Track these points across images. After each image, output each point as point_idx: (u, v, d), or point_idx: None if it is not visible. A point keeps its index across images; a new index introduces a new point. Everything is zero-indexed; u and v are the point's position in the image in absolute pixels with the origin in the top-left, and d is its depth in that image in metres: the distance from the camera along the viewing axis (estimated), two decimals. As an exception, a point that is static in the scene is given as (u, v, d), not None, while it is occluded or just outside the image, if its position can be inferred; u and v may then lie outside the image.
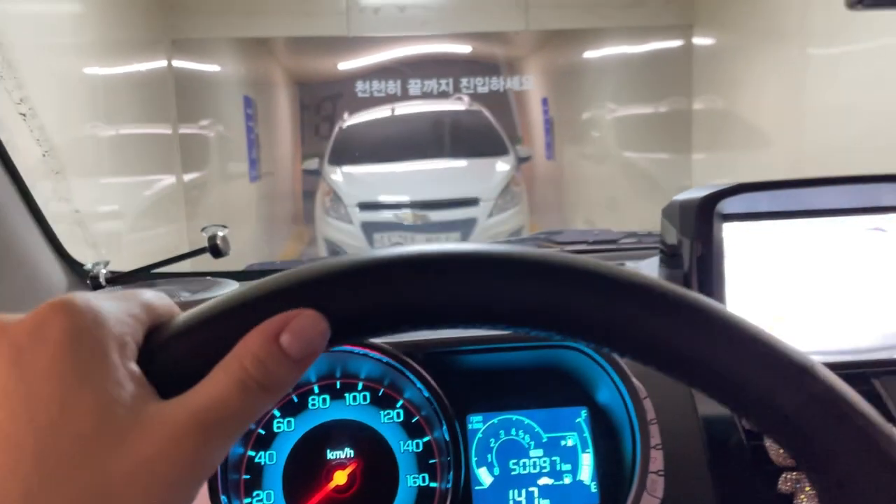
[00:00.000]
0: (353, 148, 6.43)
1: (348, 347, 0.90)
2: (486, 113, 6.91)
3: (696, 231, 0.94)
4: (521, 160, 6.59)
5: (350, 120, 6.94)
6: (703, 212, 0.94)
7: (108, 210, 4.44)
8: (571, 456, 0.92)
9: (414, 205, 5.91)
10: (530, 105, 7.88)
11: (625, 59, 7.24)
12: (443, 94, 7.26)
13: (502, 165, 6.36)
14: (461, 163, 6.51)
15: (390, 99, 7.17)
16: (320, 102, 7.65)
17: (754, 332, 0.39)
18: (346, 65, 7.31)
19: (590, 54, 7.56)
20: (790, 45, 5.05)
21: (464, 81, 7.23)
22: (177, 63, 6.13)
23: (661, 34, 6.80)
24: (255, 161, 7.15)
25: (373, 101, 7.14)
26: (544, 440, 0.93)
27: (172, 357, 0.38)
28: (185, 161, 6.02)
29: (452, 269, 0.39)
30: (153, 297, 0.40)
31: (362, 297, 0.38)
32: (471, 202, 5.88)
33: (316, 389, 0.93)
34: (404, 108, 7.03)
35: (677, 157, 6.68)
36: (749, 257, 0.96)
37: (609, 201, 7.13)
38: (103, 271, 1.21)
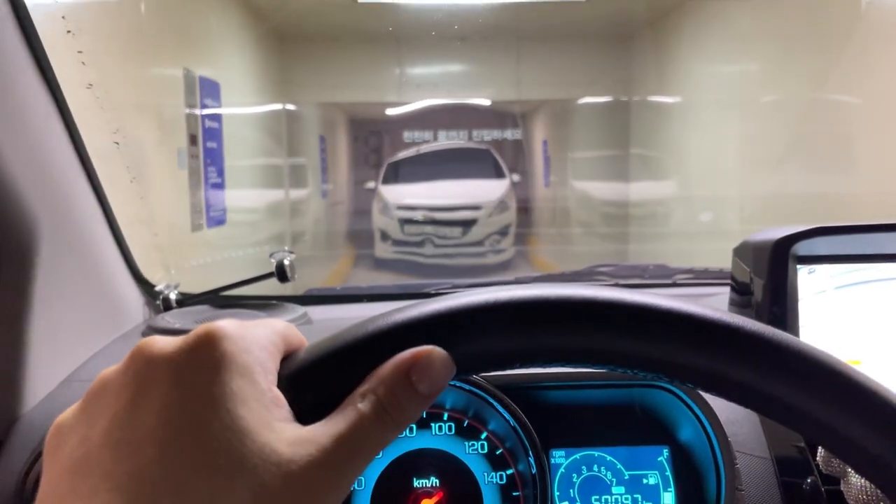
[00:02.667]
0: (397, 173, 9.63)
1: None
2: (492, 150, 10.17)
3: (770, 273, 0.96)
4: (514, 183, 9.56)
5: (395, 157, 10.19)
6: (777, 254, 0.96)
7: (253, 207, 6.62)
8: (653, 495, 0.94)
9: (435, 209, 8.70)
10: (535, 145, 11.47)
11: (588, 117, 10.06)
12: (464, 137, 10.85)
13: (499, 185, 9.31)
14: (471, 182, 9.25)
15: (424, 140, 10.59)
16: (368, 137, 11.93)
17: (848, 374, 0.41)
18: (392, 111, 10.53)
19: (567, 114, 10.50)
20: (682, 113, 7.49)
21: (475, 132, 10.88)
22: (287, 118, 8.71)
23: (610, 105, 9.45)
24: (325, 182, 10.12)
25: (412, 143, 10.59)
26: (626, 477, 0.95)
27: (310, 384, 0.40)
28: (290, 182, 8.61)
29: (565, 315, 0.41)
30: (285, 327, 0.42)
31: (486, 337, 0.41)
32: (476, 207, 8.74)
33: (404, 418, 0.96)
34: (432, 147, 10.35)
35: (621, 184, 9.18)
36: (823, 300, 0.98)
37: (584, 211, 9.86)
38: (173, 294, 1.25)
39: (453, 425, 0.96)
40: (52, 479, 0.37)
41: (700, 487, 0.93)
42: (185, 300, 1.26)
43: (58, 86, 0.96)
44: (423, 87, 9.28)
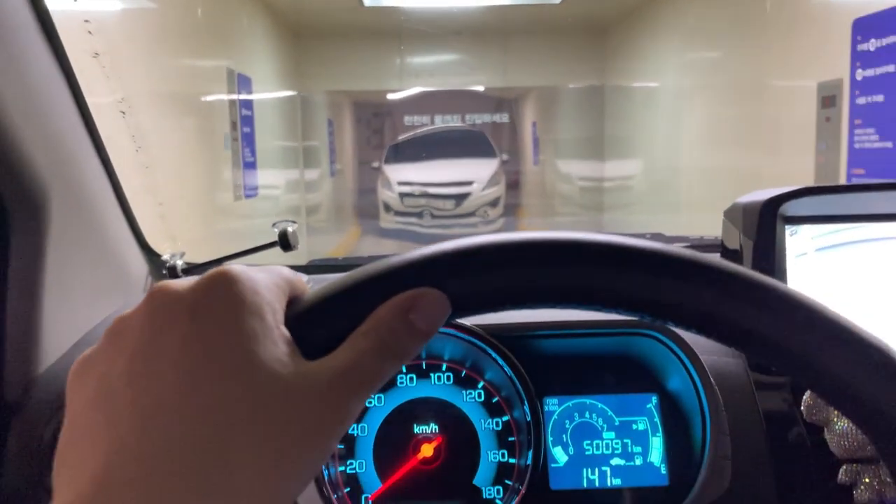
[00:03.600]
0: (399, 154, 9.62)
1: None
2: (484, 132, 10.12)
3: (759, 233, 0.87)
4: (504, 161, 9.64)
5: (396, 140, 10.14)
6: (766, 214, 0.87)
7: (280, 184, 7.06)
8: (642, 439, 0.86)
9: (432, 184, 8.78)
10: (526, 126, 11.25)
11: (570, 102, 10.05)
12: (458, 121, 10.68)
13: (490, 163, 9.29)
14: (465, 161, 9.24)
15: (423, 123, 10.49)
16: (371, 121, 11.65)
17: (827, 314, 0.38)
18: (393, 97, 10.60)
19: (552, 99, 10.50)
20: (652, 95, 7.39)
21: (468, 116, 10.64)
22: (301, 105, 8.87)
23: (588, 89, 9.39)
24: (334, 162, 10.06)
25: (411, 126, 10.51)
26: (616, 423, 0.86)
27: (315, 323, 0.38)
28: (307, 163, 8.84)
29: (556, 255, 0.39)
30: (291, 272, 0.40)
31: (478, 278, 0.39)
32: (469, 183, 8.86)
33: (404, 369, 0.87)
34: (430, 130, 10.26)
35: (597, 162, 9.25)
36: (811, 260, 0.90)
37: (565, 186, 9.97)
38: (180, 262, 1.15)
39: (452, 375, 0.87)
40: (74, 413, 0.35)
41: (687, 433, 0.85)
42: (191, 269, 1.16)
43: (65, 55, 0.87)
44: (421, 76, 9.28)
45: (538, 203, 10.38)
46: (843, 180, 3.68)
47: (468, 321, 0.85)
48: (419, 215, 8.71)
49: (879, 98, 3.34)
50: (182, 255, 1.14)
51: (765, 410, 0.85)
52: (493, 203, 8.97)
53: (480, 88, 10.31)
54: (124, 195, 1.06)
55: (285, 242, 1.09)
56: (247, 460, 0.32)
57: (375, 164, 9.72)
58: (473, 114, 10.84)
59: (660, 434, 0.86)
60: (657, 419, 0.86)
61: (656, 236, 1.46)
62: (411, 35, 8.44)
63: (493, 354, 0.84)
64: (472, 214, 8.82)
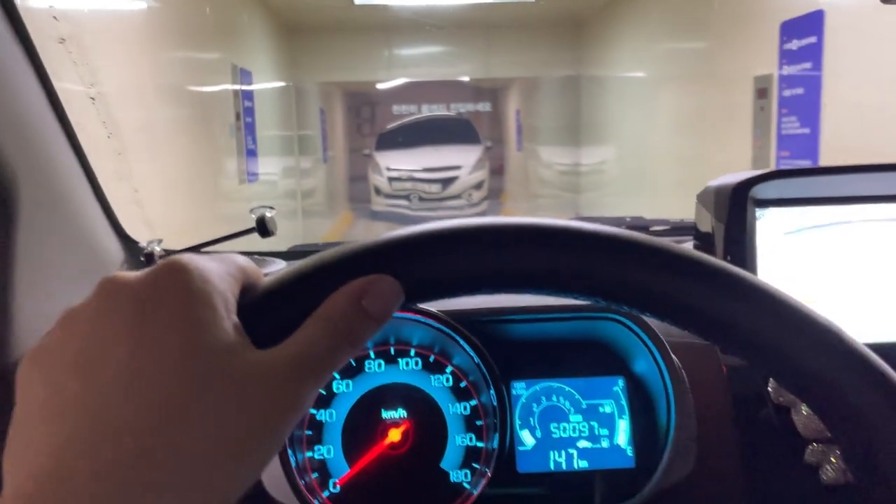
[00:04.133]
0: (388, 141, 9.46)
1: (402, 314, 0.79)
2: (470, 120, 10.15)
3: (730, 215, 0.81)
4: (488, 148, 9.60)
5: (386, 128, 10.02)
6: (736, 197, 0.81)
7: (277, 171, 6.95)
8: (609, 422, 0.80)
9: (419, 169, 8.75)
10: (510, 115, 11.18)
11: (549, 92, 9.79)
12: (444, 110, 10.68)
13: (475, 149, 9.29)
14: (452, 147, 9.19)
15: (410, 112, 10.48)
16: (360, 110, 11.51)
17: (792, 304, 0.35)
18: (382, 86, 10.52)
19: (533, 89, 10.29)
20: (621, 85, 7.36)
21: (454, 105, 10.65)
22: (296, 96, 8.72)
23: (566, 79, 9.16)
24: (326, 149, 9.69)
25: (399, 115, 10.55)
26: (583, 406, 0.81)
27: (267, 312, 0.35)
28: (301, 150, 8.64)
29: (506, 241, 0.36)
30: (244, 261, 0.37)
31: (432, 264, 0.36)
32: (456, 168, 8.83)
33: (372, 354, 0.81)
34: (418, 118, 10.19)
35: (574, 148, 9.09)
36: (782, 242, 0.84)
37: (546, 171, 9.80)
38: (157, 249, 1.08)
39: (420, 361, 0.81)
40: (24, 405, 0.33)
41: (654, 415, 0.79)
42: (169, 254, 1.08)
43: (30, 41, 0.79)
44: (408, 68, 9.15)
45: (521, 187, 10.31)
46: (773, 163, 3.86)
47: (435, 307, 0.79)
48: (407, 198, 8.69)
49: (800, 91, 3.57)
50: (160, 241, 1.06)
51: (733, 393, 0.80)
52: (478, 186, 8.99)
53: (466, 79, 10.21)
54: (98, 182, 0.99)
55: (263, 228, 1.02)
56: (197, 449, 0.30)
57: (367, 152, 9.75)
58: (459, 103, 10.78)
59: (626, 416, 0.80)
60: (624, 402, 0.81)
61: (636, 219, 1.40)
62: (399, 29, 8.37)
63: (460, 340, 0.78)
64: (457, 197, 8.77)
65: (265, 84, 6.66)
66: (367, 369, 0.81)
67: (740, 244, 0.80)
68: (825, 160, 3.42)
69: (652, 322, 0.78)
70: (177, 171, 4.16)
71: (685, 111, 5.49)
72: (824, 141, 3.38)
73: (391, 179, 8.90)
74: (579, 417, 0.80)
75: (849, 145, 3.19)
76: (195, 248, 1.06)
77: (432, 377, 0.81)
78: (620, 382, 0.81)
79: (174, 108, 4.22)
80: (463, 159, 9.02)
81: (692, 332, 0.37)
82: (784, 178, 0.80)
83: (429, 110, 10.52)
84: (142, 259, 1.03)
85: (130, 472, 0.29)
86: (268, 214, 1.02)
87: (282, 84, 7.73)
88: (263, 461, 0.33)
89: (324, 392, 0.79)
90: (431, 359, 0.81)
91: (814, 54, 3.40)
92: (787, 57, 3.64)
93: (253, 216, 1.02)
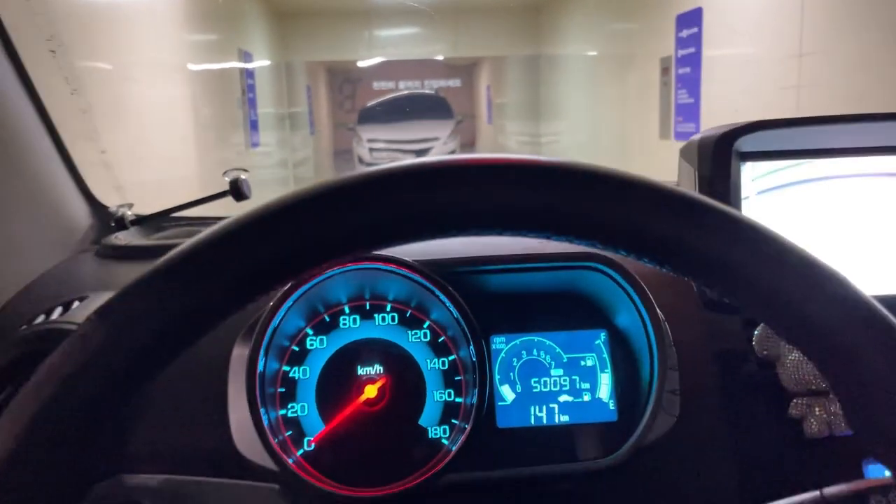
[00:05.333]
0: (369, 115, 9.16)
1: (378, 265, 0.65)
2: (443, 95, 9.70)
3: (714, 168, 0.68)
4: (459, 121, 9.32)
5: (368, 104, 9.62)
6: (720, 149, 0.68)
7: (272, 142, 6.86)
8: (590, 375, 0.68)
9: (399, 140, 8.49)
10: (481, 91, 10.76)
11: (514, 70, 9.48)
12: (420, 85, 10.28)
13: (449, 123, 9.04)
14: (427, 121, 8.94)
15: (389, 88, 10.15)
16: (343, 86, 10.93)
17: (784, 242, 0.28)
18: (363, 63, 10.02)
19: (500, 67, 9.91)
20: (567, 64, 7.41)
21: (427, 82, 10.23)
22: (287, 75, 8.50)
23: (528, 58, 8.78)
24: (312, 123, 9.34)
25: (379, 91, 10.10)
26: (565, 360, 0.68)
27: None
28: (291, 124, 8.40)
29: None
30: None
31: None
32: (431, 139, 8.75)
33: (347, 310, 0.68)
34: (396, 95, 9.77)
35: (534, 121, 8.92)
36: (765, 195, 0.71)
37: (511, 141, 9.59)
38: (128, 213, 0.92)
39: (396, 315, 0.68)
40: None
41: (636, 369, 0.67)
42: (140, 220, 0.92)
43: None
44: (387, 48, 8.82)
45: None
46: (672, 127, 4.19)
47: (411, 257, 0.65)
48: None
49: (688, 70, 3.98)
50: (130, 206, 0.90)
51: (716, 346, 0.67)
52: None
53: (440, 58, 9.91)
54: (64, 146, 0.82)
55: (237, 191, 0.86)
56: None
57: (350, 126, 9.51)
58: (433, 80, 10.48)
59: (608, 370, 0.68)
60: (606, 355, 0.68)
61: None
62: (378, 13, 8.14)
63: (439, 293, 0.65)
64: None
65: (262, 62, 6.72)
66: (341, 325, 0.67)
67: (724, 197, 0.67)
68: (704, 123, 3.81)
69: (636, 271, 0.65)
70: (197, 136, 4.28)
71: (615, 86, 5.62)
72: (703, 108, 3.80)
73: (372, 150, 8.69)
74: (560, 371, 0.68)
75: (716, 109, 3.62)
76: (168, 212, 0.90)
77: (409, 332, 0.67)
78: (603, 336, 0.68)
79: (195, 84, 4.41)
80: (437, 132, 8.88)
81: (681, 272, 0.29)
82: (768, 130, 0.66)
83: (406, 87, 10.20)
84: (112, 224, 0.87)
85: None
86: (242, 177, 0.86)
87: (274, 63, 7.60)
88: None
89: (297, 349, 0.66)
90: (408, 313, 0.68)
91: (696, 41, 3.86)
92: (680, 42, 4.07)
93: (227, 179, 0.86)
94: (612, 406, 0.67)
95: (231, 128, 5.32)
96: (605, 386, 0.67)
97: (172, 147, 3.84)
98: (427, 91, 10.19)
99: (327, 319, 0.67)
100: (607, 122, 5.80)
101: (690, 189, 0.72)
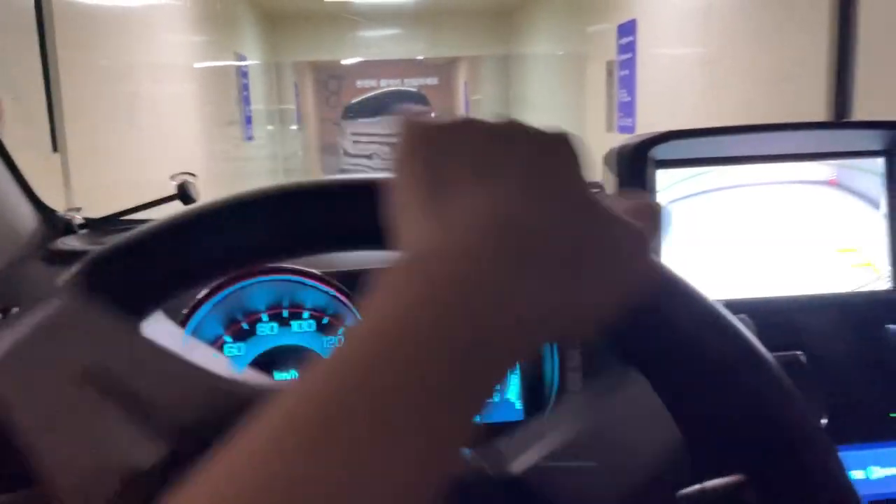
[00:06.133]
0: (353, 111, 9.00)
1: (295, 278, 0.62)
2: (422, 93, 9.62)
3: (630, 176, 0.65)
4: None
5: (351, 102, 9.45)
6: (636, 157, 0.65)
7: (264, 136, 7.02)
8: (498, 376, 0.65)
9: (380, 134, 8.29)
10: (459, 88, 10.58)
11: (489, 69, 9.35)
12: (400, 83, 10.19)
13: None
14: None
15: (371, 86, 9.99)
16: (328, 84, 10.70)
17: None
18: (346, 62, 9.87)
19: (476, 66, 9.77)
20: (532, 64, 7.49)
21: (407, 80, 10.17)
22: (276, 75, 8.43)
23: (496, 58, 8.77)
24: (300, 119, 9.38)
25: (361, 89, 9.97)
26: (474, 362, 0.65)
27: None
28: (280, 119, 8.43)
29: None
30: None
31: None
32: None
33: (265, 318, 0.64)
34: (376, 92, 9.58)
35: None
36: (681, 202, 0.68)
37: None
38: (77, 217, 0.86)
39: (314, 323, 0.64)
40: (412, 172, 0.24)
41: (541, 369, 0.64)
42: (88, 224, 0.87)
43: None
44: (370, 48, 8.76)
45: None
46: (616, 122, 4.37)
47: (322, 268, 0.62)
48: (369, 157, 8.61)
49: (626, 72, 4.20)
50: (78, 209, 0.85)
51: None
52: None
53: (420, 57, 9.82)
54: (6, 150, 0.77)
55: (185, 195, 0.82)
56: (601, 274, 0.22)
57: (336, 121, 9.57)
58: (413, 78, 10.37)
59: (516, 371, 0.65)
60: (513, 357, 0.65)
61: None
62: (362, 17, 8.06)
63: (350, 304, 0.61)
64: None
65: (254, 62, 6.77)
66: (259, 332, 0.63)
67: None
68: (639, 118, 4.01)
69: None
70: (203, 129, 4.54)
71: (573, 84, 5.76)
72: (639, 105, 4.04)
73: (355, 143, 8.72)
74: (470, 373, 0.64)
75: (647, 104, 3.93)
76: (117, 216, 0.85)
77: (325, 339, 0.64)
78: None
79: (201, 82, 4.69)
80: None
81: None
82: (680, 139, 0.63)
83: (387, 84, 10.14)
84: (59, 227, 0.82)
85: (556, 263, 0.21)
86: (189, 180, 0.82)
87: (264, 63, 7.57)
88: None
89: (216, 356, 0.62)
90: (325, 321, 0.64)
91: (632, 48, 4.11)
92: (621, 48, 4.30)
93: (173, 183, 0.81)
94: (518, 405, 0.64)
95: (229, 123, 5.47)
96: (513, 387, 0.64)
97: (184, 140, 4.09)
98: (407, 88, 10.14)
99: (245, 327, 0.63)
100: (566, 116, 5.94)
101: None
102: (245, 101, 5.92)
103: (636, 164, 0.65)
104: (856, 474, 0.60)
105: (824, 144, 0.68)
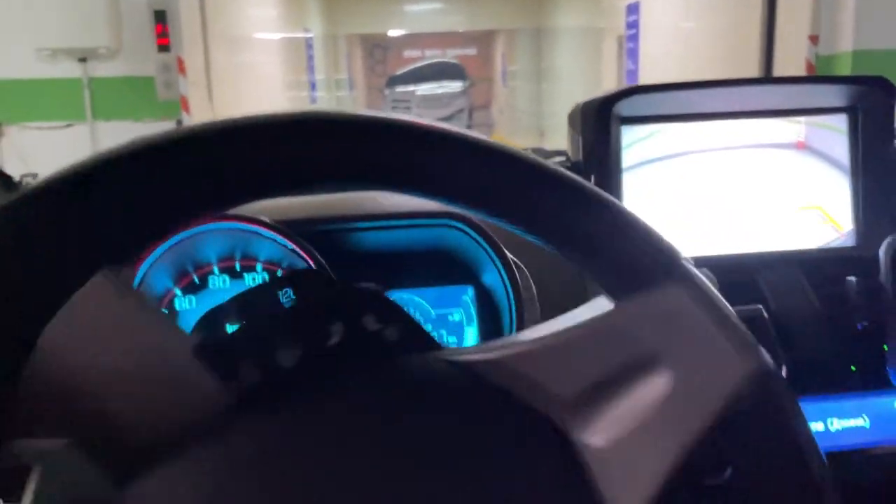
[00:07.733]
0: (396, 80, 9.43)
1: (245, 226, 0.59)
2: (459, 63, 9.63)
3: (594, 132, 0.60)
4: (469, 85, 9.33)
5: (395, 72, 9.80)
6: (600, 113, 0.58)
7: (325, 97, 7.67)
8: (457, 329, 0.59)
9: (419, 96, 8.86)
10: (497, 58, 10.71)
11: (522, 41, 9.76)
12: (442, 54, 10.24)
13: (461, 84, 9.24)
14: (443, 82, 9.22)
15: (414, 56, 10.19)
16: (375, 53, 10.98)
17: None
18: (392, 33, 10.23)
19: (513, 38, 10.05)
20: (559, 37, 7.98)
21: (449, 51, 10.35)
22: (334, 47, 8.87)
23: (529, 31, 9.21)
24: (351, 85, 10.11)
25: (407, 59, 10.19)
26: (433, 316, 0.59)
27: None
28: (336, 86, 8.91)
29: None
30: None
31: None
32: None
33: (216, 270, 0.61)
34: (418, 63, 9.84)
35: (537, 85, 9.26)
36: (646, 166, 0.62)
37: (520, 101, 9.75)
38: (32, 183, 0.84)
39: (267, 276, 0.61)
40: None
41: (499, 323, 0.60)
42: None
43: None
44: (414, 22, 9.40)
45: (506, 116, 10.33)
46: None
47: (273, 216, 0.59)
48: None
49: (632, 45, 4.72)
50: (34, 176, 0.84)
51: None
52: (460, 109, 9.27)
53: (461, 30, 10.07)
54: None
55: None
56: None
57: (381, 90, 10.02)
58: (453, 48, 10.53)
59: (474, 324, 0.59)
60: (472, 310, 0.59)
61: (537, 150, 1.17)
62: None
63: (303, 255, 0.58)
64: (449, 118, 8.77)
65: (315, 35, 7.33)
66: (211, 286, 0.60)
67: (605, 161, 0.58)
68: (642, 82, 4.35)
69: (495, 231, 0.58)
70: (282, 94, 5.36)
71: (593, 55, 6.23)
72: (641, 73, 4.58)
73: (394, 108, 8.89)
74: (429, 327, 0.60)
75: (649, 75, 4.42)
76: None
77: (280, 292, 0.61)
78: (470, 291, 0.59)
79: (282, 54, 5.53)
80: (451, 90, 9.32)
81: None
82: (645, 94, 0.57)
83: (430, 55, 10.36)
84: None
85: None
86: None
87: (322, 36, 8.09)
88: None
89: (166, 310, 0.60)
90: (279, 273, 0.61)
91: (637, 25, 4.66)
92: (628, 25, 4.80)
93: None
94: (477, 361, 0.60)
95: (300, 88, 6.35)
96: (470, 340, 0.60)
97: (271, 103, 4.68)
98: (448, 60, 10.31)
99: (196, 280, 0.60)
100: (586, 82, 6.48)
101: (576, 154, 0.65)
102: (311, 70, 6.66)
103: (601, 120, 0.57)
104: (815, 426, 0.56)
105: (791, 101, 0.62)
